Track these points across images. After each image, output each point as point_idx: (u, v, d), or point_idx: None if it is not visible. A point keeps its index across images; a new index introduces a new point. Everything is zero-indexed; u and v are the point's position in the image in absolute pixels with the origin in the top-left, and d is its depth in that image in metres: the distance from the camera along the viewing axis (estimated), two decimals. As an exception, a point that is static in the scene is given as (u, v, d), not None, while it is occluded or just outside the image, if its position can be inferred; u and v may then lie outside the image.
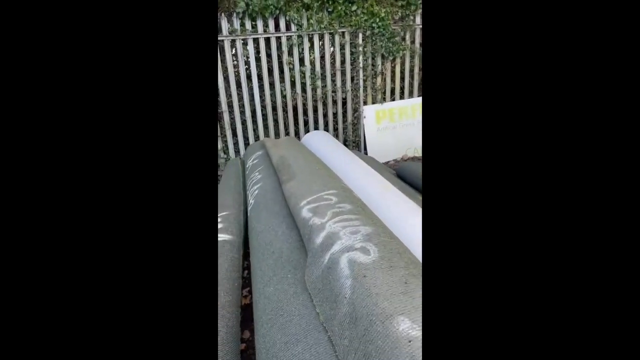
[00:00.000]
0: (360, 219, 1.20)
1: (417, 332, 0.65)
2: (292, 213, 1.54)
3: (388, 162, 3.88)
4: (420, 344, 0.63)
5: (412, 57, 3.87)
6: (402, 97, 4.02)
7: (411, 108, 3.98)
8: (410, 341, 0.64)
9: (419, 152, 3.96)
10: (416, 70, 3.93)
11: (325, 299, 0.96)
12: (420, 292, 0.77)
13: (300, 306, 1.04)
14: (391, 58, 3.78)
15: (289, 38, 3.38)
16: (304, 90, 3.64)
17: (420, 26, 3.76)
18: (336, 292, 0.91)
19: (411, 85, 4.00)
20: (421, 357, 0.61)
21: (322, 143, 2.90)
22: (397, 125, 3.97)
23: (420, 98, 3.98)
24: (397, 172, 2.90)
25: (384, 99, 3.94)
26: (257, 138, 3.59)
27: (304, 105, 3.70)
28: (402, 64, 3.87)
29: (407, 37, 3.76)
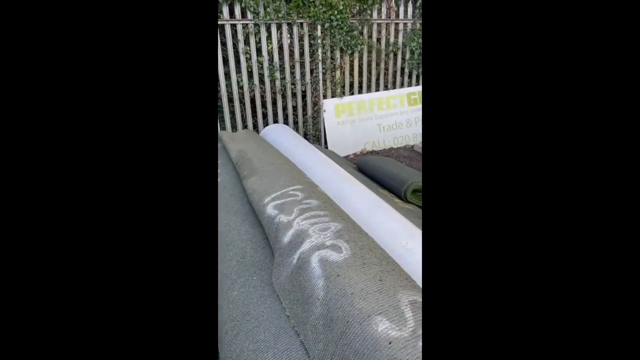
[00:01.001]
0: (329, 215, 1.16)
1: (397, 333, 0.63)
2: (256, 210, 1.46)
3: (348, 155, 3.91)
4: (401, 345, 0.61)
5: (369, 52, 3.91)
6: (360, 91, 4.06)
7: (369, 102, 4.03)
8: (390, 342, 0.62)
9: (377, 146, 4.04)
10: (373, 65, 3.98)
11: (295, 301, 0.91)
12: (396, 290, 0.75)
13: (268, 310, 0.98)
14: (349, 52, 3.78)
15: (244, 26, 3.22)
16: (262, 81, 3.51)
17: (377, 21, 3.81)
18: (308, 294, 0.86)
19: (369, 80, 4.05)
20: (402, 359, 0.59)
21: (282, 136, 2.82)
22: (355, 119, 4.00)
23: (378, 93, 4.05)
24: (358, 165, 2.92)
25: (343, 93, 3.94)
26: (212, 131, 3.40)
27: (263, 97, 3.57)
28: (360, 59, 3.90)
29: (365, 31, 3.79)
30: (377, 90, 4.14)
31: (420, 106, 4.16)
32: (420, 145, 3.76)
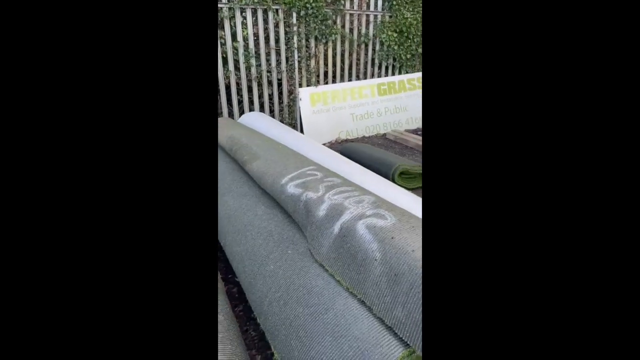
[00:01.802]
0: (357, 190, 1.24)
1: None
2: (271, 192, 1.49)
3: (324, 144, 3.99)
4: None
5: (342, 42, 4.00)
6: (334, 81, 4.14)
7: (342, 92, 4.13)
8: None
9: (350, 135, 4.17)
10: (346, 55, 4.08)
11: (346, 266, 0.98)
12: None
13: (314, 278, 1.04)
14: (324, 41, 3.83)
15: (219, 9, 3.11)
16: (237, 68, 3.42)
17: (350, 11, 3.90)
18: (361, 257, 0.94)
19: (342, 69, 4.14)
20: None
21: (263, 124, 2.81)
22: (330, 108, 4.09)
23: (351, 83, 4.17)
24: (342, 151, 3.02)
25: (317, 82, 3.99)
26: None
27: (238, 84, 3.49)
28: (334, 48, 3.97)
29: (339, 21, 3.86)
30: (350, 80, 4.25)
31: (389, 97, 4.36)
32: (393, 134, 3.97)
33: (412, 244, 0.87)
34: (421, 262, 0.81)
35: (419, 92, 4.48)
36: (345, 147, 3.02)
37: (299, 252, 1.17)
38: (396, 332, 0.79)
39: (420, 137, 3.72)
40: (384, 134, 4.16)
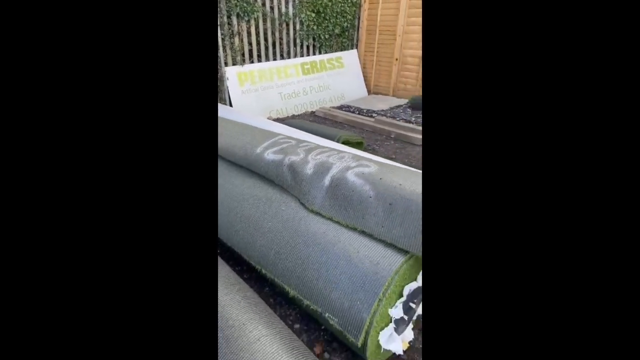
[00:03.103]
0: (334, 149, 1.42)
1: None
2: (246, 162, 1.56)
3: (256, 124, 4.01)
4: None
5: (264, 21, 4.00)
6: (259, 60, 4.14)
7: (269, 71, 4.18)
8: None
9: (281, 114, 4.27)
10: (269, 33, 4.11)
11: (343, 209, 1.17)
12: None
13: (315, 224, 1.21)
14: (246, 19, 3.78)
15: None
16: (156, 45, 3.15)
17: (269, -10, 3.91)
18: (357, 199, 1.14)
19: (266, 48, 4.16)
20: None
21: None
22: (258, 87, 4.10)
23: (276, 62, 4.23)
24: (281, 128, 3.13)
25: (243, 61, 3.94)
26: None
27: (159, 63, 3.23)
28: (257, 26, 3.95)
29: (259, -1, 3.84)
30: (275, 59, 4.30)
31: (313, 75, 4.57)
32: (322, 111, 4.22)
33: (397, 180, 1.11)
34: (408, 191, 1.06)
35: (340, 70, 4.80)
36: (285, 124, 3.14)
37: (292, 207, 1.31)
38: (397, 245, 1.03)
39: (346, 113, 4.06)
40: (313, 112, 4.38)
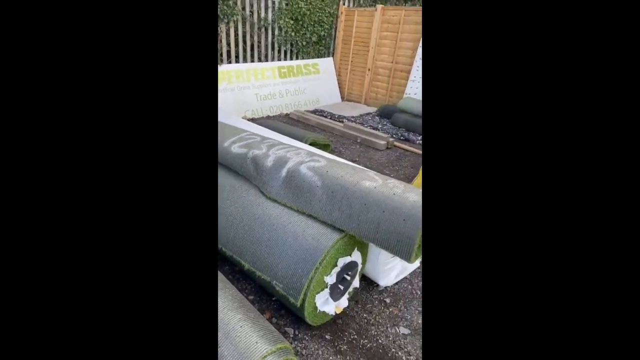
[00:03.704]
0: (293, 146, 1.63)
1: (374, 184, 1.24)
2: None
3: (231, 122, 4.15)
4: (379, 187, 1.22)
5: (244, 24, 4.17)
6: (237, 61, 4.29)
7: (246, 72, 4.34)
8: (375, 187, 1.22)
9: (256, 114, 4.43)
10: (248, 37, 4.28)
11: (295, 196, 1.37)
12: (364, 171, 1.35)
13: (272, 208, 1.40)
14: (226, 21, 3.94)
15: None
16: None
17: (250, -5, 4.09)
18: (307, 188, 1.35)
19: (244, 50, 4.32)
20: (379, 200, 1.20)
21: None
22: (235, 87, 4.24)
23: (253, 64, 4.40)
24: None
25: (221, 61, 4.08)
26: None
27: (137, 57, 3.31)
28: (236, 29, 4.11)
29: (239, 3, 4.01)
30: (253, 61, 4.47)
31: (289, 79, 4.77)
32: (296, 114, 4.42)
33: (340, 172, 1.33)
34: (348, 182, 1.28)
35: (316, 76, 5.03)
36: (258, 124, 3.31)
37: (253, 195, 1.50)
38: (336, 226, 1.24)
39: (319, 117, 4.29)
40: (287, 114, 4.58)
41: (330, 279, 1.21)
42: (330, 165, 1.41)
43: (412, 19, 4.28)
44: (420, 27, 4.19)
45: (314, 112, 4.62)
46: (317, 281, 1.17)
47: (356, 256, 1.32)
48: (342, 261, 1.25)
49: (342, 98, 5.34)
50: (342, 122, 4.08)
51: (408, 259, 1.10)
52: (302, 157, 1.49)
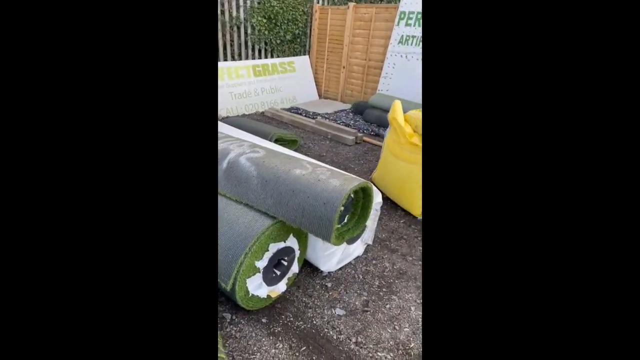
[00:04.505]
0: (239, 139, 1.67)
1: (304, 171, 1.29)
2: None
3: (205, 121, 4.16)
4: (307, 174, 1.27)
5: (223, 26, 4.19)
6: (210, 60, 4.31)
7: (220, 71, 4.35)
8: (303, 174, 1.27)
9: (231, 112, 4.46)
10: (220, 35, 4.30)
11: (233, 186, 1.42)
12: (299, 159, 1.40)
13: (211, 199, 1.44)
14: (197, 20, 3.96)
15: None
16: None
17: (221, -6, 4.11)
18: (244, 177, 1.39)
19: (217, 49, 4.34)
20: (305, 186, 1.25)
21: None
22: (208, 86, 4.26)
23: (227, 62, 4.42)
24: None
25: (193, 60, 4.10)
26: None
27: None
28: (208, 28, 4.13)
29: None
30: (226, 60, 4.50)
31: (264, 78, 4.81)
32: (270, 111, 4.46)
33: (275, 162, 1.38)
34: (281, 171, 1.33)
35: (292, 74, 5.08)
36: (227, 121, 3.35)
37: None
38: (269, 213, 1.29)
39: (293, 114, 4.34)
40: (263, 112, 4.62)
41: (262, 264, 1.26)
42: (267, 155, 1.45)
43: (382, 16, 4.35)
44: (390, 24, 4.27)
45: (290, 109, 4.66)
46: (248, 265, 1.22)
47: (292, 242, 1.37)
48: (276, 247, 1.30)
49: (320, 96, 5.40)
50: (315, 118, 4.13)
51: (328, 239, 1.15)
52: (244, 148, 1.53)
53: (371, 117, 4.09)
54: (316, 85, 5.37)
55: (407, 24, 4.05)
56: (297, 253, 1.42)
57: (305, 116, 4.34)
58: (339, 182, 1.21)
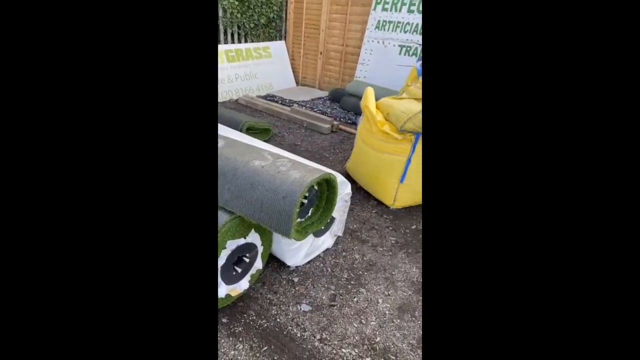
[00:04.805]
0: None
1: (264, 162, 1.21)
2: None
3: (175, 109, 3.97)
4: (268, 166, 1.19)
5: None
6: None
7: (190, 56, 4.14)
8: (262, 167, 1.19)
9: (203, 100, 4.27)
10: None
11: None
12: (261, 149, 1.32)
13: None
14: (162, 1, 3.72)
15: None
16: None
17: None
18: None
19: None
20: (264, 179, 1.18)
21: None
22: (178, 72, 4.05)
23: (197, 47, 4.20)
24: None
25: (160, 44, 3.87)
26: None
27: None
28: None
29: None
30: (196, 44, 4.27)
31: (238, 63, 4.62)
32: (245, 99, 4.30)
33: (233, 153, 1.29)
34: (239, 162, 1.24)
35: (267, 60, 4.90)
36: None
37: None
38: (226, 208, 1.21)
39: (269, 102, 4.20)
40: (237, 100, 4.45)
41: (219, 262, 1.19)
42: (226, 145, 1.36)
43: (359, 0, 4.23)
44: (367, 8, 4.16)
45: (265, 97, 4.52)
46: (203, 264, 1.15)
47: (253, 237, 1.30)
48: (235, 243, 1.23)
49: (297, 83, 5.26)
50: (290, 106, 4.02)
51: (288, 235, 1.09)
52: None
53: (348, 105, 4.02)
54: (293, 72, 5.22)
55: (383, 9, 3.96)
56: (261, 249, 1.36)
57: (281, 104, 4.21)
58: (300, 174, 1.14)
